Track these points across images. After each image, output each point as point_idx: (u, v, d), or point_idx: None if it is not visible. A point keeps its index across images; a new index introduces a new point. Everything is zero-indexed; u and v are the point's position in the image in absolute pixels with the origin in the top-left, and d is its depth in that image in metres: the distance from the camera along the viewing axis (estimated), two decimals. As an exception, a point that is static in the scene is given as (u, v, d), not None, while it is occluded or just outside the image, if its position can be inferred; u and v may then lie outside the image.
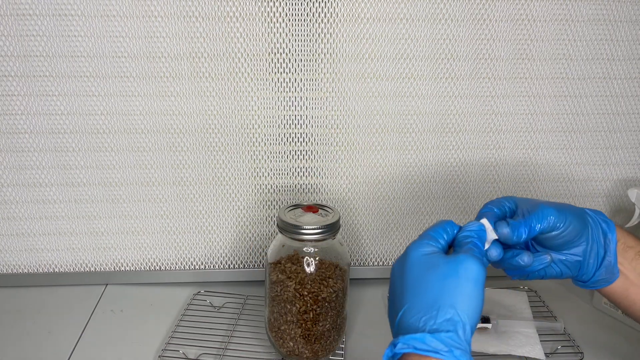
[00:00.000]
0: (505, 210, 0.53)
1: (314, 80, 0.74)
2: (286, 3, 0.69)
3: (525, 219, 0.50)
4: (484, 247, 0.48)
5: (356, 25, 0.71)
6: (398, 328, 0.44)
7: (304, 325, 0.62)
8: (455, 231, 0.49)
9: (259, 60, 0.72)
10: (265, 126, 0.75)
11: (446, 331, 0.41)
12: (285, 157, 0.77)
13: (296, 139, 0.76)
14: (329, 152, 0.77)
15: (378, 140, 0.77)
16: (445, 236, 0.48)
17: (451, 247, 0.49)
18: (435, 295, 0.43)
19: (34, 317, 0.74)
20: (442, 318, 0.42)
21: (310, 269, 0.62)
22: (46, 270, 0.81)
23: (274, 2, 0.69)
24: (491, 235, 0.49)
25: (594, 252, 0.52)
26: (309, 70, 0.73)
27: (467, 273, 0.43)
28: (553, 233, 0.50)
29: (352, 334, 0.72)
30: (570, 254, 0.52)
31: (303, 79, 0.73)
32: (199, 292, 0.79)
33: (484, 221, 0.50)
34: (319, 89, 0.74)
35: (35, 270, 0.81)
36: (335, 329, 0.64)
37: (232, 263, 0.83)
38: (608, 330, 0.73)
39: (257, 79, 0.73)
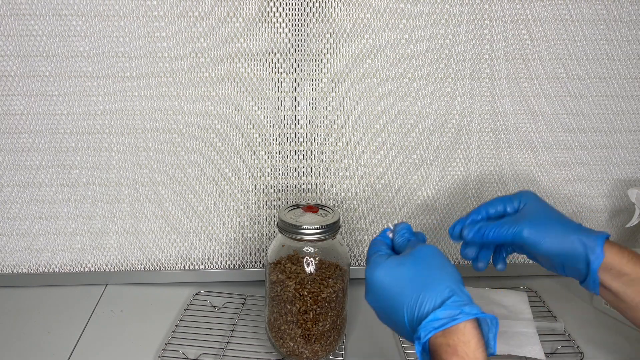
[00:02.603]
0: (498, 211, 0.58)
1: (314, 80, 0.74)
2: (286, 3, 0.69)
3: (478, 225, 0.56)
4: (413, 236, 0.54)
5: (356, 25, 0.71)
6: (410, 327, 0.46)
7: (304, 325, 0.62)
8: (386, 240, 0.55)
9: (259, 60, 0.72)
10: (265, 126, 0.75)
11: (447, 298, 0.45)
12: (285, 157, 0.77)
13: (296, 139, 0.76)
14: (329, 152, 0.77)
15: (378, 140, 0.77)
16: (383, 247, 0.54)
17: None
18: (417, 283, 0.46)
19: (33, 317, 0.74)
20: (435, 292, 0.45)
21: (310, 269, 0.62)
22: (46, 270, 0.81)
23: (274, 2, 0.69)
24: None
25: (571, 271, 0.54)
26: (309, 70, 0.73)
27: (426, 253, 0.49)
28: (516, 248, 0.56)
29: (352, 334, 0.72)
30: (548, 266, 0.56)
31: (303, 79, 0.73)
32: (199, 292, 0.79)
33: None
34: (319, 89, 0.74)
35: (35, 270, 0.81)
36: (335, 329, 0.64)
37: (232, 263, 0.83)
38: (608, 330, 0.73)
39: (257, 79, 0.73)
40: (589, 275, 0.53)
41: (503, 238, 0.54)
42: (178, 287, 0.81)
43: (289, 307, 0.61)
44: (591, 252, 0.52)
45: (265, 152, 0.77)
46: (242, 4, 0.69)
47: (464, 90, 0.75)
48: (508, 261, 0.85)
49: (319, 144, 0.77)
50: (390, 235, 0.56)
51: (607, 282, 0.53)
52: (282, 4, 0.69)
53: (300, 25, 0.71)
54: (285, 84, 0.73)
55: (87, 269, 0.81)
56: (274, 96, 0.74)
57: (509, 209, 0.58)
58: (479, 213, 0.58)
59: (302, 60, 0.72)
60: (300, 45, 0.72)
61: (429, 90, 0.75)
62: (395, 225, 0.56)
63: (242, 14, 0.70)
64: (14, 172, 0.75)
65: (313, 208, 0.64)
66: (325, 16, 0.70)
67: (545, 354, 0.66)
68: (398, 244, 0.54)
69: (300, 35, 0.71)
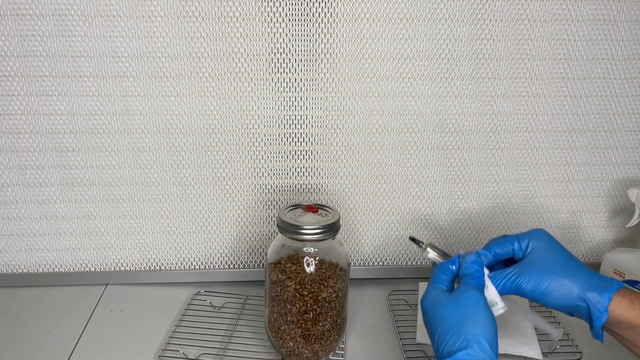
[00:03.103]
0: (509, 251, 0.57)
1: (314, 80, 0.74)
2: (286, 3, 0.69)
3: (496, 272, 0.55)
4: (482, 275, 0.53)
5: (356, 25, 0.71)
6: (437, 354, 0.49)
7: (304, 325, 0.62)
8: (451, 269, 0.55)
9: (259, 60, 0.72)
10: (265, 126, 0.75)
11: (461, 349, 0.46)
12: (286, 157, 0.77)
13: (296, 139, 0.76)
14: (329, 152, 0.77)
15: (378, 140, 0.77)
16: (445, 278, 0.54)
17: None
18: (446, 326, 0.48)
19: (33, 317, 0.74)
20: (455, 341, 0.47)
21: (310, 269, 0.62)
22: (46, 270, 0.81)
23: (274, 2, 0.69)
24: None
25: (579, 316, 0.54)
26: (309, 70, 0.73)
27: (470, 301, 0.49)
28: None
29: (352, 334, 0.72)
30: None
31: (303, 79, 0.73)
32: (199, 292, 0.79)
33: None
34: (319, 89, 0.74)
35: (35, 270, 0.81)
36: (335, 329, 0.64)
37: (232, 263, 0.83)
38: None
39: (257, 79, 0.73)
40: (593, 328, 0.53)
41: (506, 291, 0.55)
42: (178, 287, 0.81)
43: (289, 307, 0.62)
44: (595, 310, 0.51)
45: (265, 152, 0.77)
46: (242, 4, 0.69)
47: (464, 90, 0.75)
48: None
49: (319, 144, 0.77)
50: (462, 255, 0.56)
51: (615, 329, 0.52)
52: (282, 4, 0.69)
53: (300, 25, 0.71)
54: (285, 84, 0.73)
55: (87, 269, 0.81)
56: (274, 96, 0.74)
57: (517, 251, 0.57)
58: (487, 256, 0.57)
59: (302, 60, 0.72)
60: (300, 45, 0.72)
61: (429, 90, 0.75)
62: (463, 256, 0.55)
63: (242, 14, 0.70)
64: (14, 172, 0.75)
65: (313, 208, 0.64)
66: (325, 16, 0.70)
67: (544, 353, 0.67)
68: (460, 275, 0.55)
69: (300, 35, 0.71)
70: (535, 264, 0.54)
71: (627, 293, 0.52)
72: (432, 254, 0.57)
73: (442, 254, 0.57)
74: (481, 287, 0.52)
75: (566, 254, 0.55)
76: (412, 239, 0.59)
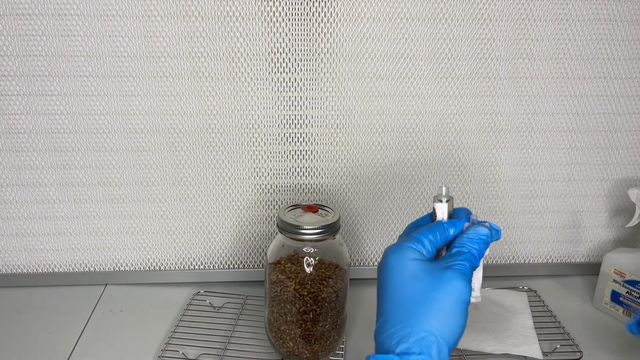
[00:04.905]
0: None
1: (314, 80, 0.73)
2: (286, 3, 0.69)
3: None
4: (479, 261, 0.43)
5: (356, 25, 0.71)
6: (375, 341, 0.41)
7: (303, 325, 0.62)
8: (447, 234, 0.44)
9: (259, 60, 0.72)
10: (265, 126, 0.75)
11: (417, 354, 0.38)
12: (286, 157, 0.77)
13: (296, 139, 0.76)
14: (329, 152, 0.77)
15: (378, 140, 0.77)
16: (432, 239, 0.43)
17: (442, 250, 0.45)
18: (412, 310, 0.39)
19: (33, 317, 0.73)
20: (415, 337, 0.38)
21: (310, 269, 0.62)
22: (46, 270, 0.81)
23: (274, 2, 0.69)
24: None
25: None
26: (309, 70, 0.73)
27: (452, 292, 0.40)
28: None
29: (352, 334, 0.72)
30: None
31: (303, 79, 0.73)
32: (199, 292, 0.79)
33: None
34: (319, 89, 0.74)
35: (35, 270, 0.81)
36: (335, 329, 0.64)
37: (232, 263, 0.83)
38: (608, 330, 0.73)
39: (257, 79, 0.73)
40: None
41: None
42: (178, 287, 0.81)
43: (289, 307, 0.61)
44: None
45: (266, 152, 0.77)
46: (242, 3, 0.69)
47: (464, 90, 0.75)
48: (507, 261, 0.86)
49: (319, 144, 0.77)
50: (466, 225, 0.45)
51: None
52: (282, 3, 0.69)
53: (300, 25, 0.70)
54: (285, 84, 0.73)
55: (87, 269, 0.81)
56: (274, 96, 0.74)
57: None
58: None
59: (302, 60, 0.72)
60: (300, 45, 0.71)
61: (429, 90, 0.75)
62: (470, 226, 0.44)
63: (242, 13, 0.69)
64: (14, 172, 0.75)
65: (313, 208, 0.64)
66: (325, 16, 0.70)
67: (544, 352, 0.66)
68: (452, 247, 0.43)
69: (300, 35, 0.71)
70: None
71: None
72: (443, 207, 0.45)
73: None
74: (471, 275, 0.42)
75: None
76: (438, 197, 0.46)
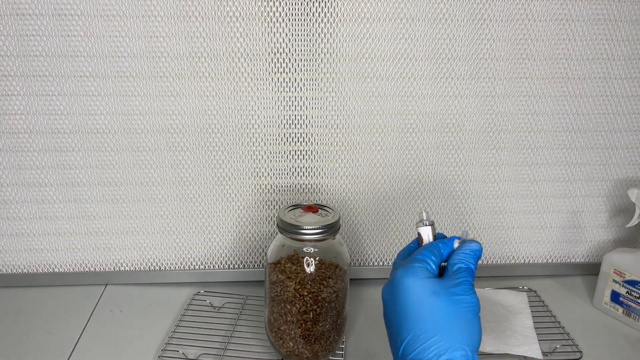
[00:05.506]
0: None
1: (314, 80, 0.74)
2: (286, 3, 0.69)
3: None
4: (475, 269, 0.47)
5: (356, 25, 0.71)
6: (404, 356, 0.43)
7: (304, 325, 0.62)
8: (443, 252, 0.48)
9: (259, 60, 0.72)
10: (265, 126, 0.75)
11: None
12: (286, 157, 0.77)
13: (296, 139, 0.76)
14: (329, 152, 0.77)
15: (378, 140, 0.77)
16: (434, 259, 0.47)
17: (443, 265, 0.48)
18: (443, 325, 0.42)
19: (33, 317, 0.74)
20: (456, 351, 0.41)
21: (310, 269, 0.62)
22: (46, 270, 0.81)
23: (274, 2, 0.69)
24: None
25: None
26: (309, 70, 0.73)
27: (470, 306, 0.43)
28: None
29: (352, 334, 0.72)
30: None
31: (303, 79, 0.73)
32: (199, 292, 0.79)
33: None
34: (319, 89, 0.74)
35: (35, 270, 0.81)
36: (335, 329, 0.64)
37: (232, 263, 0.83)
38: (608, 330, 0.73)
39: (257, 79, 0.73)
40: None
41: None
42: (178, 287, 0.81)
43: (289, 307, 0.61)
44: None
45: (266, 152, 0.77)
46: (242, 3, 0.69)
47: (464, 90, 0.75)
48: (507, 261, 0.86)
49: (319, 144, 0.77)
50: (456, 245, 0.48)
51: None
52: (282, 4, 0.69)
53: (300, 25, 0.70)
54: (285, 84, 0.73)
55: (87, 269, 0.81)
56: (274, 96, 0.74)
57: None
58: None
59: (302, 60, 0.72)
60: (300, 45, 0.71)
61: (429, 90, 0.75)
62: (462, 242, 0.48)
63: (242, 13, 0.70)
64: (14, 172, 0.75)
65: (313, 208, 0.64)
66: (325, 16, 0.70)
67: (544, 353, 0.66)
68: (451, 264, 0.47)
69: (300, 35, 0.71)
70: None
71: None
72: (427, 230, 0.49)
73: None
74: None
75: None
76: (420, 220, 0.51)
